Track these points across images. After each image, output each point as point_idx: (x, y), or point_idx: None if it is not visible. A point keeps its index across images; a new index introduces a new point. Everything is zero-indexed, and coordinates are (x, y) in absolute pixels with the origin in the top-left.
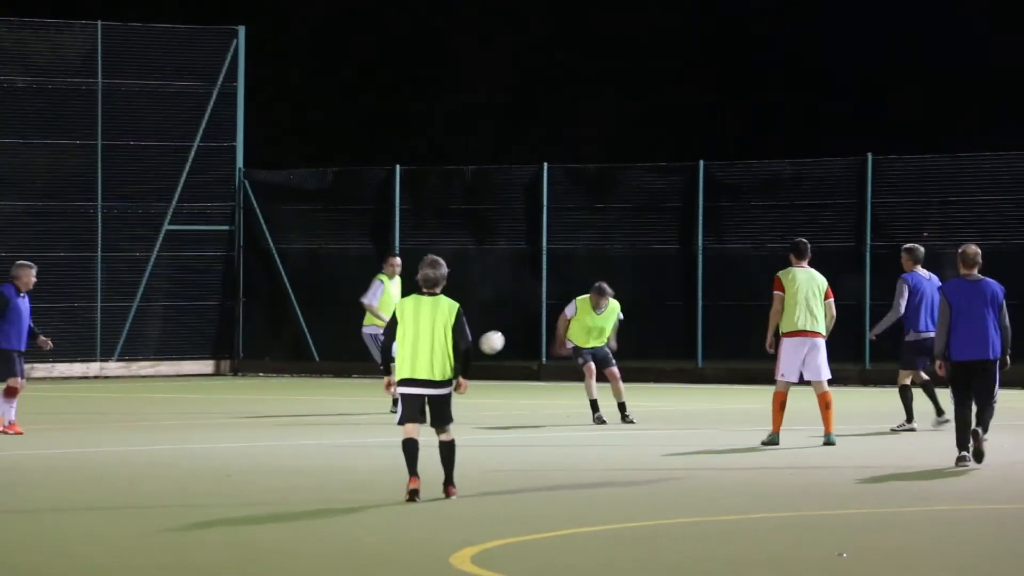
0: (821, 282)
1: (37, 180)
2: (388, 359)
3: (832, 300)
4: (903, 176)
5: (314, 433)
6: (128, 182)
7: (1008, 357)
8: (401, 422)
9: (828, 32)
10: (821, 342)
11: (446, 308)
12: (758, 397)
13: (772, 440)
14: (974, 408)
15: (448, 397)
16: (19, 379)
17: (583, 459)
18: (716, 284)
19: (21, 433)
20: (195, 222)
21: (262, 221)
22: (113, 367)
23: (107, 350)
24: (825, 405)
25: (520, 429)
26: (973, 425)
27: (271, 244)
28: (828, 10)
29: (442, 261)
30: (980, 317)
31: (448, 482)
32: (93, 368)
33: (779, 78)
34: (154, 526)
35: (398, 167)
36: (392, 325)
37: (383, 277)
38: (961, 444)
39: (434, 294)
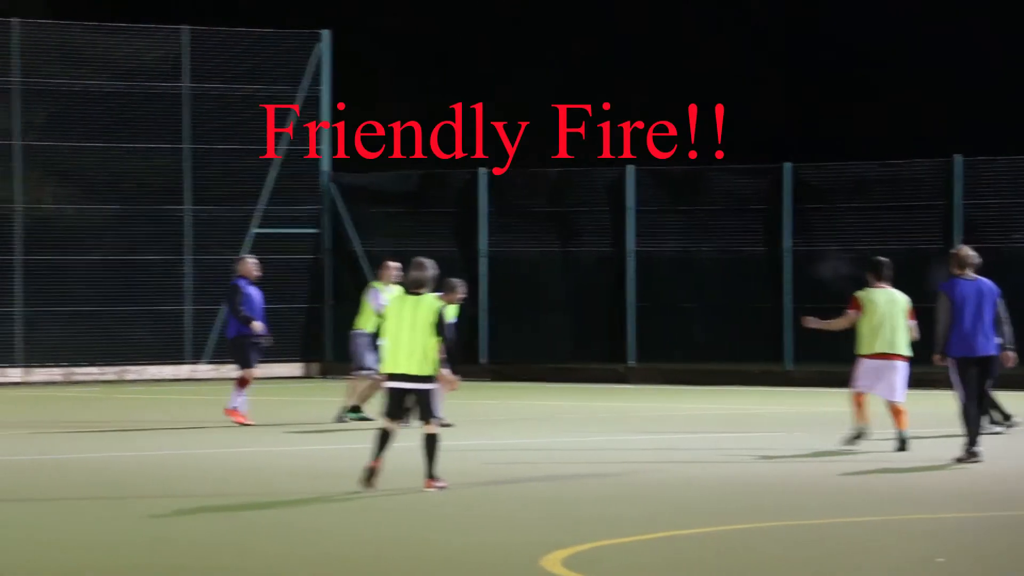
0: (903, 303)
1: (126, 184)
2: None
3: (914, 322)
4: (994, 177)
5: (401, 436)
6: (216, 186)
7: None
8: (384, 415)
9: (920, 32)
10: (901, 365)
11: (427, 306)
12: (848, 400)
13: (859, 432)
14: None
15: (429, 392)
16: (253, 370)
17: (670, 462)
18: (804, 286)
19: (244, 424)
20: (282, 225)
21: (349, 224)
22: (203, 369)
23: (197, 352)
24: (896, 412)
25: (607, 432)
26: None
27: (358, 247)
28: (921, 9)
29: (428, 263)
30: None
31: (428, 475)
32: (183, 371)
33: (867, 78)
34: (247, 524)
35: (482, 170)
36: (384, 323)
37: (377, 284)
38: (975, 438)
39: (419, 294)
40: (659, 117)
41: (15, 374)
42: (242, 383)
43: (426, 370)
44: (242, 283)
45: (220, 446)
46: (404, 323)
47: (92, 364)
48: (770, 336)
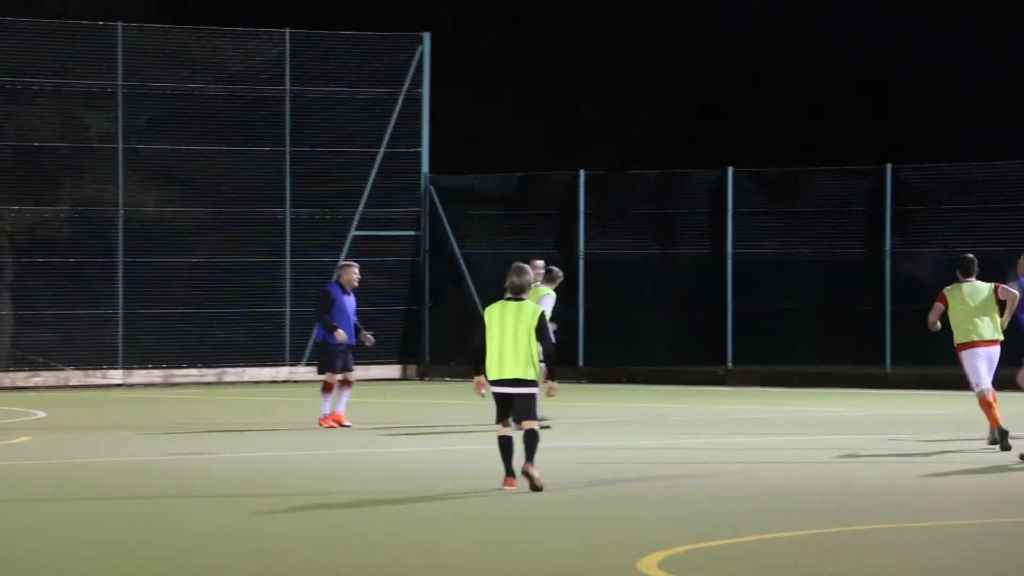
0: (986, 291)
1: (227, 187)
2: (480, 361)
3: (1004, 287)
4: None
5: (483, 439)
6: (315, 188)
7: None
8: (497, 420)
9: (1021, 33)
10: (996, 350)
11: (529, 312)
12: (949, 402)
13: (996, 437)
14: None
15: (532, 397)
16: (335, 375)
17: (766, 464)
18: (904, 288)
19: (336, 426)
20: (381, 227)
21: (447, 226)
22: (302, 371)
23: (296, 354)
24: (987, 405)
25: (704, 434)
26: None
27: (456, 249)
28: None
29: (528, 268)
30: None
31: (528, 459)
32: (282, 372)
33: (967, 79)
34: (348, 523)
35: (582, 172)
36: (481, 331)
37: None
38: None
39: (520, 299)
40: (759, 119)
41: (116, 376)
42: (325, 388)
43: (529, 374)
44: (335, 290)
45: (318, 447)
46: (507, 328)
47: (191, 366)
48: (869, 338)
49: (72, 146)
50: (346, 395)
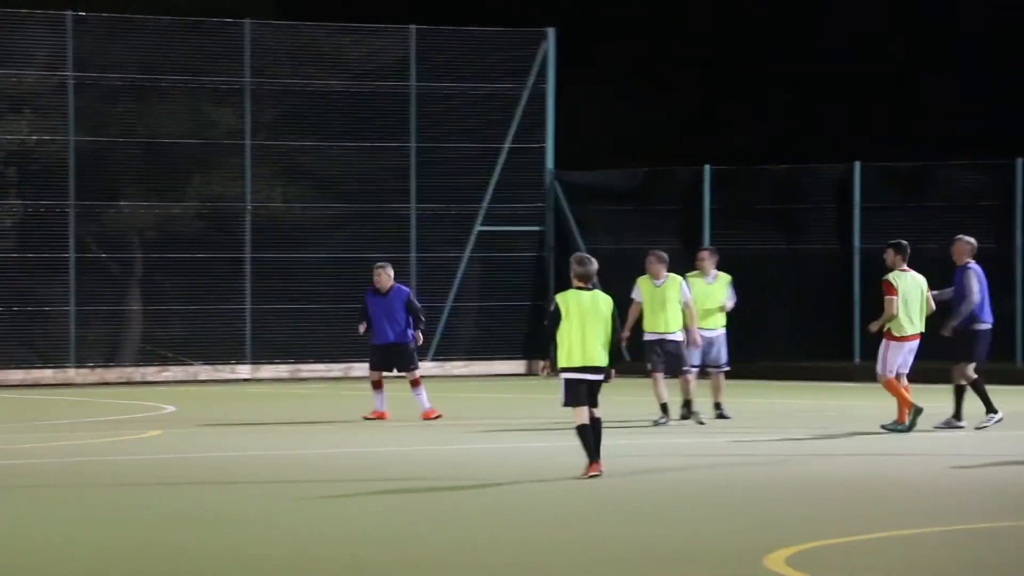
0: (924, 285)
1: (353, 182)
2: (551, 347)
3: (934, 294)
4: None
5: (622, 435)
6: (441, 184)
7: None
8: (573, 404)
9: None
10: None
11: (605, 302)
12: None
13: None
14: None
15: (603, 382)
16: (373, 372)
17: (897, 460)
18: None
19: (378, 418)
20: (506, 223)
21: (572, 222)
22: (427, 367)
23: (421, 350)
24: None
25: (832, 430)
26: None
27: (581, 244)
28: None
29: (592, 258)
30: None
31: (595, 459)
32: None
33: None
34: (475, 514)
35: (707, 167)
36: (556, 318)
37: (693, 276)
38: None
39: (591, 288)
40: (885, 113)
41: (244, 371)
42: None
43: (606, 361)
44: (367, 293)
45: (442, 443)
46: (588, 317)
47: (318, 361)
48: (1000, 333)
49: (201, 143)
50: (382, 392)
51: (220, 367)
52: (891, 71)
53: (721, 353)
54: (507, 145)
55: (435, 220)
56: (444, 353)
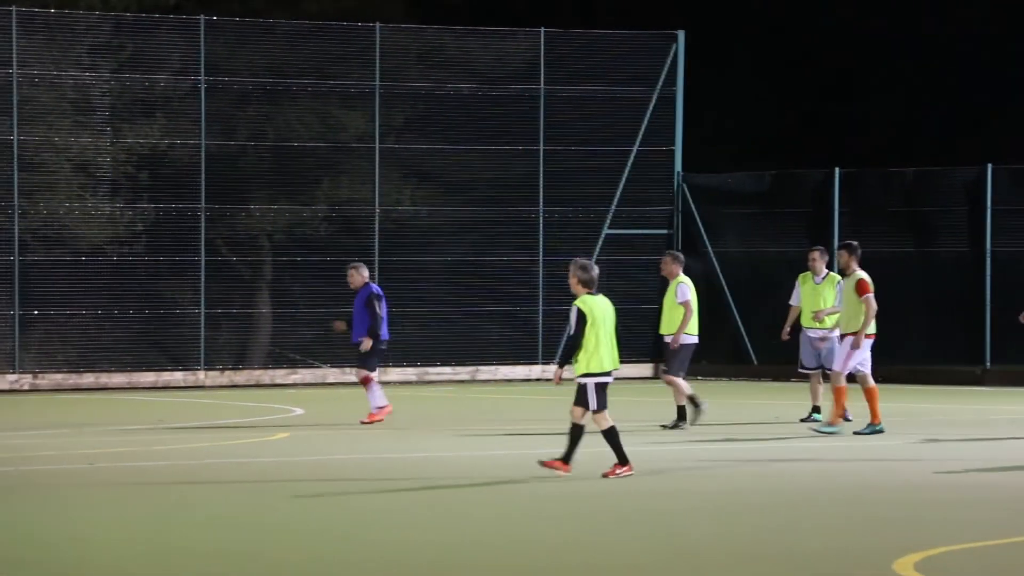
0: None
1: (481, 186)
2: (573, 353)
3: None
4: None
5: (747, 431)
6: (569, 187)
7: None
8: (605, 407)
9: None
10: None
11: (610, 305)
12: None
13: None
14: None
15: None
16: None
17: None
18: None
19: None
20: (634, 226)
21: (700, 225)
22: (555, 370)
23: (549, 353)
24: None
25: (961, 435)
26: None
27: (709, 247)
28: None
29: (594, 264)
30: None
31: (623, 461)
32: (535, 371)
33: None
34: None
35: (837, 169)
36: (584, 323)
37: (805, 276)
38: None
39: (596, 294)
40: (1019, 115)
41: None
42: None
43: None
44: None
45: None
46: (607, 322)
47: (445, 364)
48: None
49: (330, 146)
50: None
51: (348, 370)
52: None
53: (833, 354)
54: (635, 148)
55: (563, 223)
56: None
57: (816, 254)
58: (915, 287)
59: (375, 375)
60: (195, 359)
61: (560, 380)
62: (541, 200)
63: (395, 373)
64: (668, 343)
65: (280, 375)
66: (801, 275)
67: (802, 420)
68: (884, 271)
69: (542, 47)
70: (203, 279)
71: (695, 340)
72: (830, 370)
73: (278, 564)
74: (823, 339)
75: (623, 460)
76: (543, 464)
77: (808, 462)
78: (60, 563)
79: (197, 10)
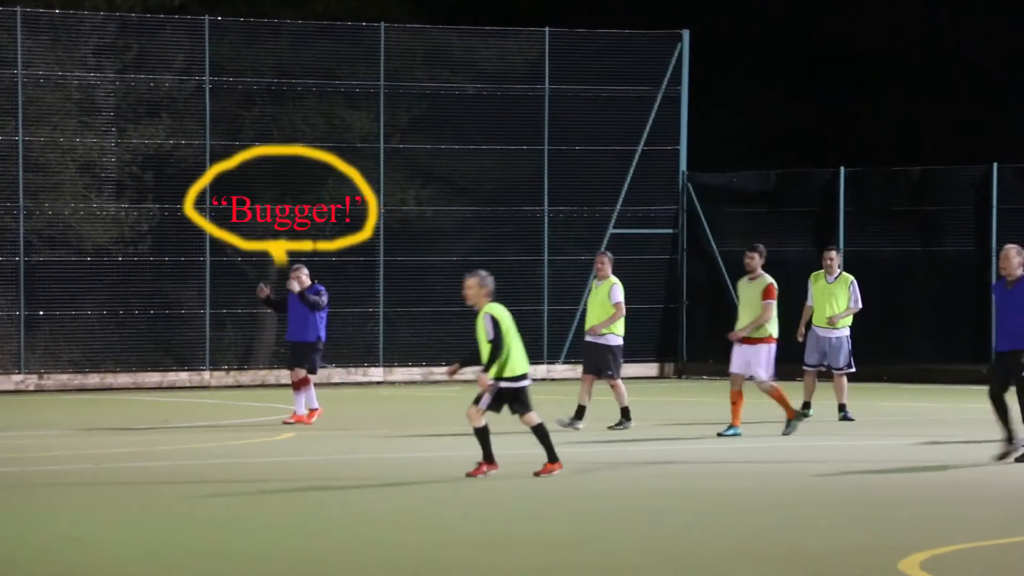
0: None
1: (486, 185)
2: (497, 359)
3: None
4: None
5: (759, 431)
6: (573, 186)
7: None
8: (491, 410)
9: None
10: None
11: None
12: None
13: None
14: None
15: None
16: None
17: None
18: None
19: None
20: (639, 225)
21: (705, 224)
22: (560, 369)
23: (554, 352)
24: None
25: (966, 434)
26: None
27: (714, 247)
28: None
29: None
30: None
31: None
32: (540, 370)
33: None
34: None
35: (843, 168)
36: (501, 331)
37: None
38: None
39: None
40: (1023, 114)
41: (376, 373)
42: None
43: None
44: (288, 295)
45: (581, 444)
46: (514, 328)
47: (450, 364)
48: None
49: (335, 146)
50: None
51: (353, 370)
52: None
53: (842, 355)
54: (640, 147)
55: (567, 222)
56: (576, 356)
57: (833, 253)
58: (921, 286)
59: (313, 377)
60: (200, 360)
61: (491, 388)
62: (546, 199)
63: (400, 373)
64: (597, 342)
65: (285, 375)
66: (813, 274)
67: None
68: (889, 270)
69: (547, 46)
70: (208, 279)
71: (621, 342)
72: (837, 369)
73: (281, 564)
74: (828, 340)
75: (490, 458)
76: (537, 474)
77: (810, 463)
78: (62, 563)
79: (202, 10)
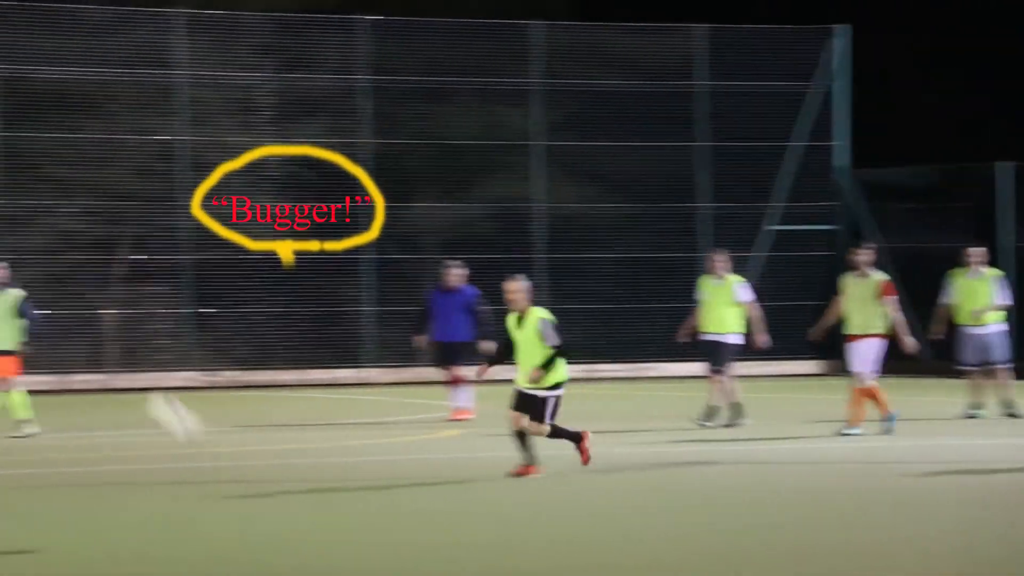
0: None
1: (643, 182)
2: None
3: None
4: None
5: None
6: (729, 183)
7: None
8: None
9: None
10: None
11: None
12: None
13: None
14: None
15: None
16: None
17: None
18: None
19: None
20: (796, 222)
21: (865, 220)
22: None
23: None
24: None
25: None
26: None
27: (879, 242)
28: None
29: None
30: None
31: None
32: (696, 368)
33: None
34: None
35: (1006, 163)
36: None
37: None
38: None
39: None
40: None
41: None
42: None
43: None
44: (432, 294)
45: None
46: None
47: (612, 361)
48: None
49: (491, 143)
50: (454, 392)
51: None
52: None
53: (997, 350)
54: (799, 143)
55: (725, 220)
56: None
57: (975, 250)
58: None
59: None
60: (364, 357)
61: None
62: (703, 196)
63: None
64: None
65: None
66: (953, 271)
67: (968, 417)
68: None
69: (702, 43)
70: (372, 277)
71: (743, 340)
72: (996, 364)
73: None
74: (983, 337)
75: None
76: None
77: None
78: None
79: (357, 10)
